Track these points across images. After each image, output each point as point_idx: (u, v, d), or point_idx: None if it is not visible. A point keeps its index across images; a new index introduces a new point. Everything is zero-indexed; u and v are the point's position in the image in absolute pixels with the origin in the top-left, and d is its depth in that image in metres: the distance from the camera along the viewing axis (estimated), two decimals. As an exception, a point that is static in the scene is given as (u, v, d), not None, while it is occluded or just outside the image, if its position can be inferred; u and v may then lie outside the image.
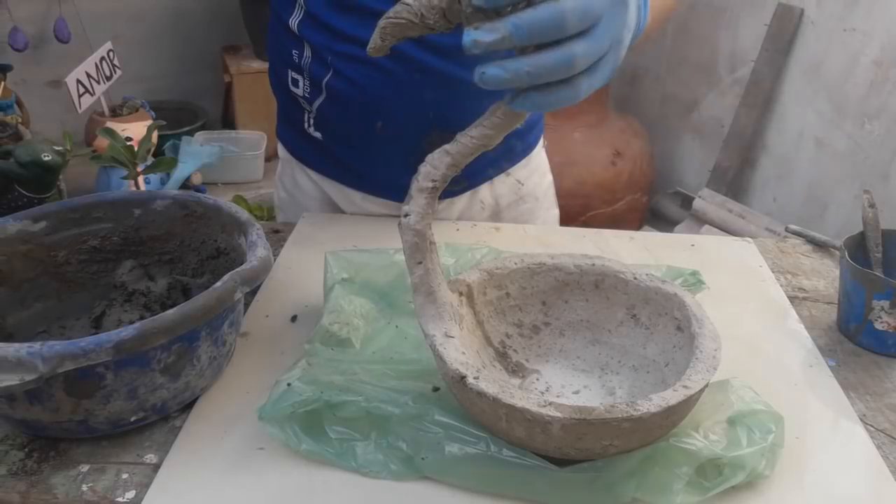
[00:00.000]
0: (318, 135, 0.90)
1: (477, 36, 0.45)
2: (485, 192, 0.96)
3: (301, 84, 0.88)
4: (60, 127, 1.94)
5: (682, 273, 0.79)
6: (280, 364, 0.65)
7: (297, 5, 0.84)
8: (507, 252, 0.76)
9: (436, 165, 0.55)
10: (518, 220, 1.00)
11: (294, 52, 0.87)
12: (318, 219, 0.94)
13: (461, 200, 0.95)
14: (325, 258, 0.73)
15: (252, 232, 0.65)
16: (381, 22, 0.51)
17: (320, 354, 0.64)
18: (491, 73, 0.47)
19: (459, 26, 0.52)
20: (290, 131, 0.96)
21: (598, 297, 0.66)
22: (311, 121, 0.90)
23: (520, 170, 0.99)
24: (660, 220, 2.53)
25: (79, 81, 1.68)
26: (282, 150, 1.00)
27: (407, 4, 0.50)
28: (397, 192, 0.93)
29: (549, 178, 1.06)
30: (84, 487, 0.54)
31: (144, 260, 0.73)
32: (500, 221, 0.99)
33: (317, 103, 0.87)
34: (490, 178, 0.96)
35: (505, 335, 0.66)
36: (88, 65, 1.72)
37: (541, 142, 1.03)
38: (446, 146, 0.55)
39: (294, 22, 0.84)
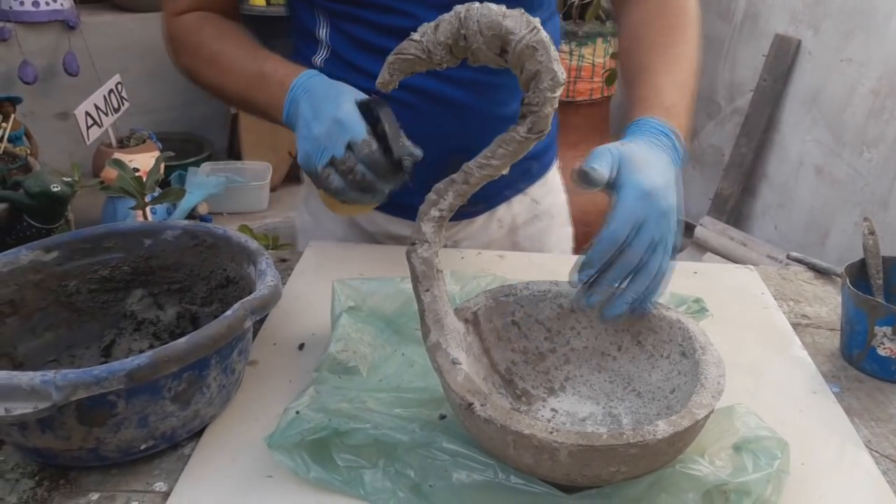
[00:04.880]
0: None
1: (593, 300, 0.63)
2: (502, 211, 0.98)
3: None
4: (68, 158, 1.97)
5: (686, 300, 0.80)
6: (288, 392, 0.66)
7: (322, 45, 0.86)
8: (511, 280, 0.77)
9: (443, 195, 0.56)
10: (533, 238, 1.02)
11: None
12: (325, 248, 0.95)
13: (479, 220, 0.97)
14: (332, 287, 0.74)
15: (262, 261, 0.66)
16: (390, 58, 0.53)
17: (328, 382, 0.64)
18: (592, 300, 0.63)
19: (465, 61, 0.53)
20: None
21: (603, 324, 0.67)
22: None
23: (536, 189, 1.01)
24: (662, 248, 2.53)
25: (87, 114, 1.71)
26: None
27: (414, 41, 0.52)
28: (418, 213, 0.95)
29: (563, 196, 1.08)
30: (94, 516, 0.54)
31: (154, 289, 0.74)
32: (517, 239, 1.00)
33: None
34: (508, 198, 0.98)
35: (511, 362, 0.66)
36: (97, 97, 1.75)
37: (556, 162, 1.05)
38: (453, 176, 0.57)
39: (318, 59, 0.87)
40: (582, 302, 0.63)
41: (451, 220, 0.94)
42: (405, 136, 0.69)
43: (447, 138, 0.85)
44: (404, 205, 0.94)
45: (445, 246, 0.97)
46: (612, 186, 0.61)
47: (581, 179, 0.60)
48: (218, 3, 0.89)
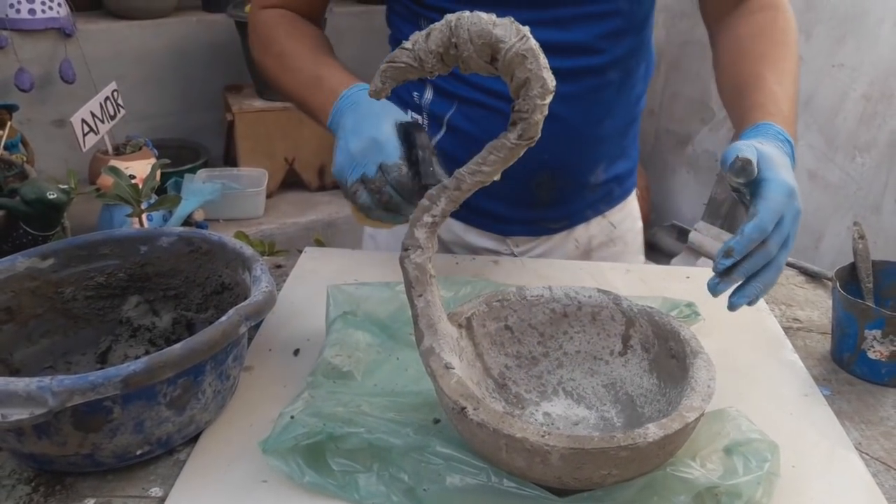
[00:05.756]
0: None
1: (721, 288, 0.63)
2: (580, 231, 0.99)
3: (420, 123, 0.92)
4: (64, 165, 1.97)
5: (678, 304, 0.81)
6: (283, 397, 0.66)
7: None
8: (504, 285, 0.78)
9: (435, 202, 0.57)
10: (607, 261, 1.02)
11: (415, 93, 0.92)
12: (320, 254, 0.95)
13: (557, 237, 0.98)
14: (327, 292, 0.75)
15: (256, 267, 0.66)
16: (382, 66, 0.54)
17: (322, 387, 0.65)
18: (721, 287, 0.63)
19: (455, 69, 0.54)
20: None
21: (595, 328, 0.68)
22: None
23: (615, 213, 1.02)
24: (656, 253, 2.55)
25: (83, 121, 1.71)
26: None
27: (406, 49, 0.53)
28: (500, 225, 0.96)
29: (640, 224, 1.09)
30: (90, 521, 0.54)
31: (150, 295, 0.75)
32: (590, 261, 1.01)
33: (435, 140, 0.91)
34: (588, 219, 0.99)
35: (504, 366, 0.67)
36: (93, 104, 1.75)
37: (635, 189, 1.06)
38: (445, 182, 0.57)
39: None
40: (712, 289, 0.64)
41: (529, 234, 0.98)
42: (439, 163, 0.71)
43: (542, 151, 0.85)
44: (485, 214, 0.95)
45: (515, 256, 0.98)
46: (749, 182, 0.64)
47: (741, 170, 0.61)
48: (302, 5, 0.92)
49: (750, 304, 0.65)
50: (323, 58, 0.86)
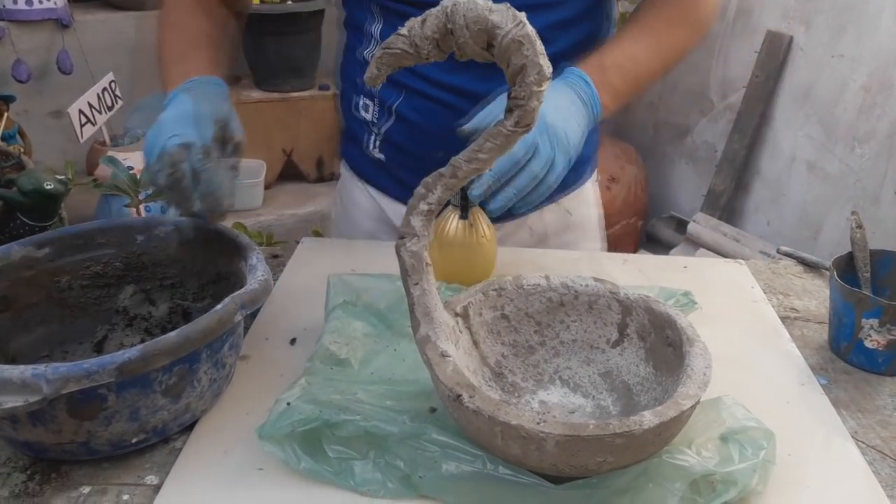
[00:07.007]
0: (381, 156, 0.94)
1: (478, 194, 0.73)
2: (534, 219, 0.99)
3: (370, 109, 0.93)
4: (62, 156, 1.96)
5: (675, 294, 0.81)
6: (279, 386, 0.66)
7: (373, 40, 0.90)
8: (501, 275, 0.78)
9: (431, 189, 0.57)
10: (563, 248, 1.02)
11: None
12: (317, 244, 0.95)
13: (510, 225, 0.98)
14: (327, 281, 0.75)
15: (252, 256, 0.66)
16: (377, 52, 0.53)
17: (319, 374, 0.65)
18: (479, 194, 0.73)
19: (452, 56, 0.54)
20: (354, 151, 1.00)
21: (592, 317, 0.68)
22: (377, 143, 0.94)
23: (569, 200, 1.01)
24: (655, 244, 2.54)
25: (81, 112, 1.70)
26: (344, 168, 1.06)
27: (402, 35, 0.52)
28: None
29: (599, 212, 1.08)
30: (86, 509, 0.54)
31: (146, 285, 0.74)
32: (546, 248, 1.00)
33: (384, 127, 0.92)
34: (539, 207, 0.97)
35: (500, 355, 0.67)
36: (90, 95, 1.74)
37: (594, 175, 1.06)
38: (441, 170, 0.57)
39: (366, 53, 0.91)
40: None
41: None
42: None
43: None
44: None
45: None
46: None
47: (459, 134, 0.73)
48: None
49: (516, 210, 0.74)
50: (188, 54, 0.91)
